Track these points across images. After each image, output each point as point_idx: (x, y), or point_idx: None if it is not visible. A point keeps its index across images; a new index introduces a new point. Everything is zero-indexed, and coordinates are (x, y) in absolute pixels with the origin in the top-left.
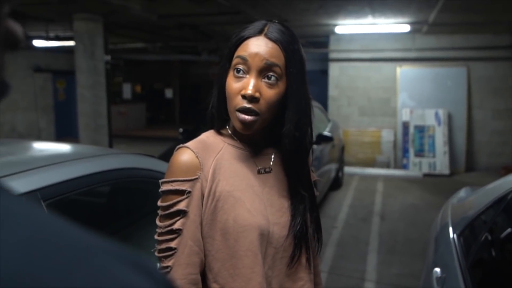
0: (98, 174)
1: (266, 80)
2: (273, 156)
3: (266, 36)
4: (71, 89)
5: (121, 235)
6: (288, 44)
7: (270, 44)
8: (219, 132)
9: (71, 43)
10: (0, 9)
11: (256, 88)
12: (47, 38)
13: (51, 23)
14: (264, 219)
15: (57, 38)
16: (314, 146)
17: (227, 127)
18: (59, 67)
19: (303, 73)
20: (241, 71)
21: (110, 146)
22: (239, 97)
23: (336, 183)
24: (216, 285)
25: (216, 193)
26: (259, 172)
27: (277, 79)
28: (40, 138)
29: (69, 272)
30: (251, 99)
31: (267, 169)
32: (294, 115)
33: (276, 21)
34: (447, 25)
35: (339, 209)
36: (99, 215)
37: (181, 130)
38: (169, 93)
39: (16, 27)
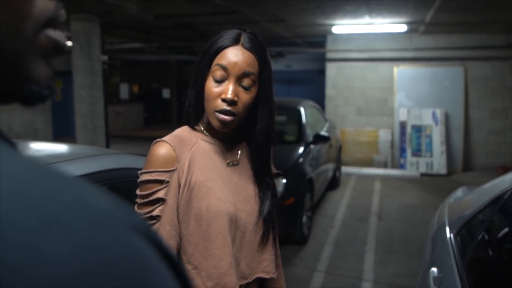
0: (95, 174)
1: (243, 85)
2: (240, 151)
3: (243, 46)
4: (68, 89)
5: None
6: (261, 53)
7: (247, 54)
8: (193, 128)
9: (68, 43)
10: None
11: (235, 93)
12: None
13: None
14: (232, 206)
15: None
16: (311, 146)
17: (200, 124)
18: (56, 67)
19: (271, 77)
20: (220, 77)
21: (107, 146)
22: (219, 100)
23: (334, 183)
24: (190, 266)
25: (191, 183)
26: (228, 164)
27: (252, 85)
28: (37, 138)
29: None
30: (231, 102)
31: (235, 162)
32: (266, 115)
33: (248, 31)
34: (444, 25)
35: (337, 209)
36: None
37: None
38: (166, 93)
39: (60, 35)
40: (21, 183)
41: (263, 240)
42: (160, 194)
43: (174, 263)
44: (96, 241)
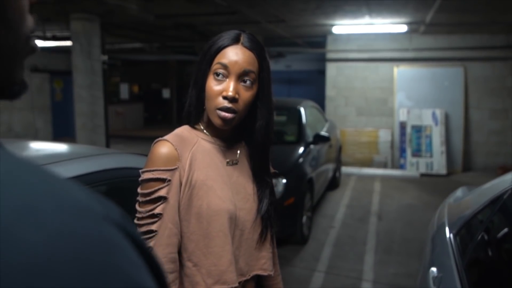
0: (95, 173)
1: (243, 83)
2: (239, 151)
3: (243, 45)
4: (68, 89)
5: None
6: (260, 52)
7: (247, 53)
8: (193, 128)
9: (68, 43)
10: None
11: (236, 91)
12: (44, 38)
13: (48, 23)
14: (232, 205)
15: (54, 38)
16: (311, 146)
17: (200, 123)
18: (56, 67)
19: (270, 76)
20: (221, 75)
21: (107, 146)
22: (220, 98)
23: (334, 183)
24: (190, 263)
25: (192, 181)
26: (227, 163)
27: (252, 83)
28: (37, 138)
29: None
30: (232, 99)
31: (234, 161)
32: (265, 112)
33: (247, 32)
34: (444, 25)
35: (337, 209)
36: None
37: None
38: (166, 93)
39: (35, 42)
40: None
41: (261, 238)
42: (162, 193)
43: (148, 255)
44: (68, 229)
